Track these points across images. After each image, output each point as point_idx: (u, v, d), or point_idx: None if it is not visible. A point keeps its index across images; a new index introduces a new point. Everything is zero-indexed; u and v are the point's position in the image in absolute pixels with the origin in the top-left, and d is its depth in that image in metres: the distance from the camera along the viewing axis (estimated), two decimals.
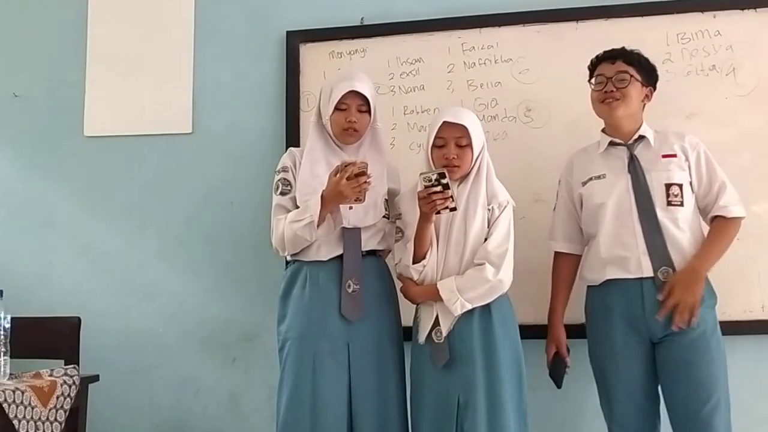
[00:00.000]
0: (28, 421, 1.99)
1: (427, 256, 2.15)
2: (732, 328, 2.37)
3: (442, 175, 2.05)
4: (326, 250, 2.17)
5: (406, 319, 2.29)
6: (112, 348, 2.78)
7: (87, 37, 3.01)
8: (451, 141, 2.16)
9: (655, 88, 2.29)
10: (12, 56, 3.06)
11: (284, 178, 2.24)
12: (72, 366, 2.25)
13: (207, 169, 2.88)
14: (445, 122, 2.16)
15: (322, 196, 2.08)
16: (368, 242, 2.21)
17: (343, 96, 2.18)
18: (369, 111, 2.22)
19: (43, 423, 2.05)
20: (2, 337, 2.08)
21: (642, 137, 2.25)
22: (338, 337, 2.15)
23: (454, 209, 2.10)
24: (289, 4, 2.90)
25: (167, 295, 2.86)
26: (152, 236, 2.89)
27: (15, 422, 1.95)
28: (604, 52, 2.30)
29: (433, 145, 2.19)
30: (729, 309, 2.40)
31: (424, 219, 2.13)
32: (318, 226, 2.09)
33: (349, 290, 2.15)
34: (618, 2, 2.64)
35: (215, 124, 2.90)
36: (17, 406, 1.97)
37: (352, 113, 2.19)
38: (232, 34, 2.93)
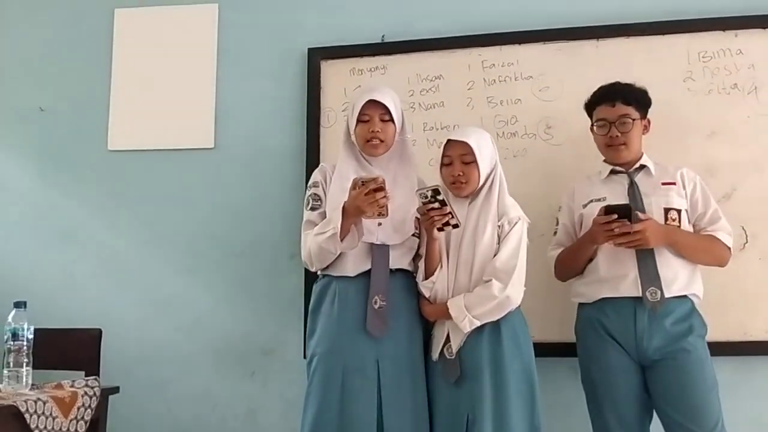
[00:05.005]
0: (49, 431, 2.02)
1: (436, 273, 2.16)
2: (755, 348, 2.35)
3: (436, 192, 2.05)
4: (354, 265, 2.16)
5: None
6: (131, 360, 2.80)
7: (112, 53, 3.05)
8: (456, 159, 2.18)
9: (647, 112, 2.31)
10: (39, 71, 3.11)
11: (315, 194, 2.24)
12: (93, 377, 2.27)
13: (228, 184, 2.90)
14: (449, 140, 2.20)
15: (343, 208, 2.08)
16: (398, 260, 2.19)
17: (364, 107, 2.19)
18: (393, 120, 2.22)
19: None
20: (25, 347, 2.10)
21: (643, 166, 2.29)
22: (367, 354, 2.13)
23: (456, 226, 2.10)
24: (310, 21, 2.93)
25: (187, 308, 2.88)
26: (173, 250, 2.92)
27: None
28: (601, 90, 2.32)
29: (442, 164, 2.22)
30: (752, 329, 2.40)
31: (428, 236, 2.15)
32: (342, 238, 2.08)
33: (376, 306, 2.12)
34: (638, 20, 2.64)
35: (237, 140, 2.93)
36: (38, 416, 1.98)
37: (375, 123, 2.20)
38: (254, 51, 2.96)
